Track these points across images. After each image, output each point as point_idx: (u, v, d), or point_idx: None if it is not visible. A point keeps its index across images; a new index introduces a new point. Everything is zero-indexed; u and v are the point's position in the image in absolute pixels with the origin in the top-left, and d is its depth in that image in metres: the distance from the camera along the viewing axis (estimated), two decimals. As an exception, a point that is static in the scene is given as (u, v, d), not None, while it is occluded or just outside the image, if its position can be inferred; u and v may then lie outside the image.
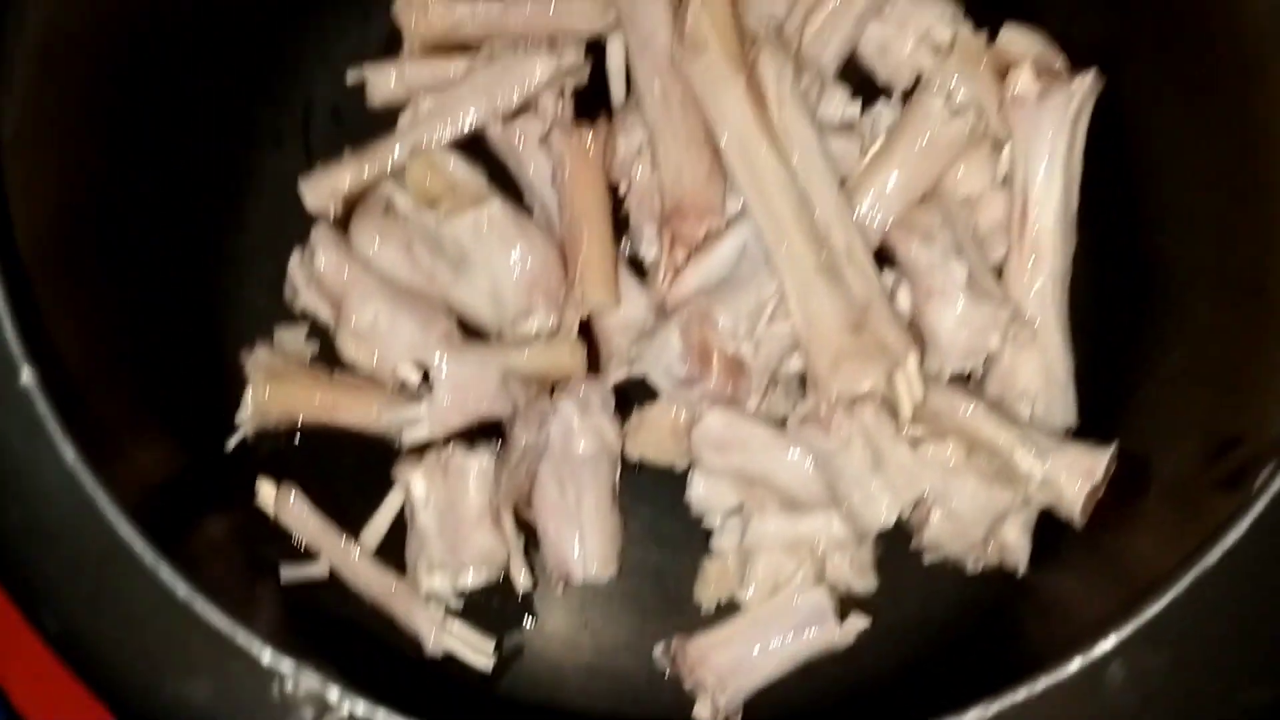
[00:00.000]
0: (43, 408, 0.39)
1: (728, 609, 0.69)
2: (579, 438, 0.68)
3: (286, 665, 0.37)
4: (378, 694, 0.37)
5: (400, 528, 0.69)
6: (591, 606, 0.71)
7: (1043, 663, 0.40)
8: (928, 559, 0.68)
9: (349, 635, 0.51)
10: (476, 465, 0.68)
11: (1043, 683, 0.39)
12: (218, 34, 0.69)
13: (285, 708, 0.37)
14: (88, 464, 0.39)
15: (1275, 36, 0.54)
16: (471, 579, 0.68)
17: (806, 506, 0.68)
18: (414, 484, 0.68)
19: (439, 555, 0.68)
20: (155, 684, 0.38)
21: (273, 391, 0.69)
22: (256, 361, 0.70)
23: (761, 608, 0.67)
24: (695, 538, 0.71)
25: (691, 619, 0.69)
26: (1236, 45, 0.58)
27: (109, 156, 0.60)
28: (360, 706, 0.37)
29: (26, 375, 0.39)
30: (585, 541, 0.68)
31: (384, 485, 0.69)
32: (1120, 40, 0.68)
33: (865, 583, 0.69)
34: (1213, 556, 0.41)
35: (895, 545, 0.69)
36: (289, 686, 0.37)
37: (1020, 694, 0.39)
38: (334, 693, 0.37)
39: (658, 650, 0.68)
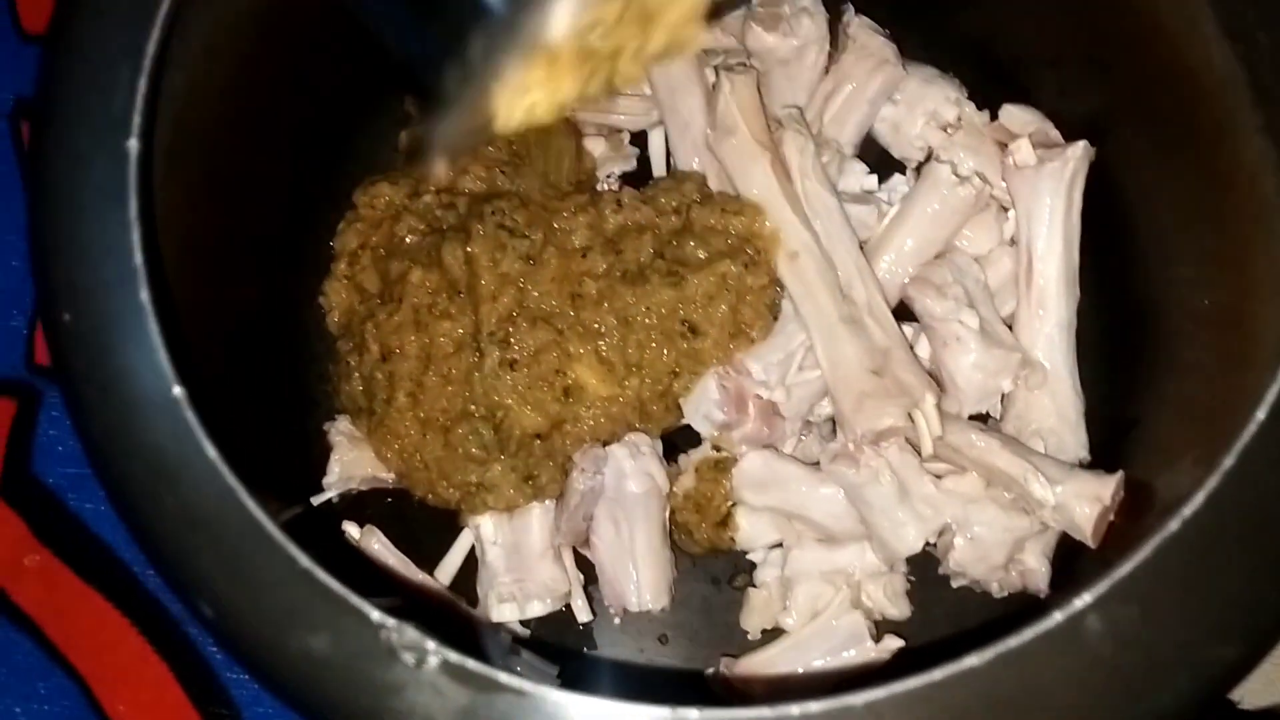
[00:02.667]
0: (190, 415, 0.47)
1: (772, 636, 0.74)
2: (631, 479, 0.73)
3: (391, 620, 0.45)
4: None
5: (470, 564, 0.76)
6: (646, 635, 0.76)
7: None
8: (955, 584, 0.73)
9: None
10: (539, 508, 0.75)
11: (1029, 633, 0.45)
12: (293, 141, 0.78)
13: (391, 655, 0.44)
14: (226, 460, 0.47)
15: (1230, 103, 0.61)
16: (536, 609, 0.74)
17: (841, 539, 0.74)
18: (483, 525, 0.75)
19: (507, 588, 0.74)
20: (283, 640, 0.45)
21: (356, 457, 0.76)
22: (339, 430, 0.77)
23: (803, 631, 0.73)
24: (740, 570, 0.77)
25: (739, 645, 0.75)
26: (1200, 112, 0.64)
27: (215, 241, 0.69)
28: (452, 655, 0.44)
29: (177, 389, 0.47)
30: (639, 574, 0.73)
31: (454, 528, 0.77)
32: (1105, 114, 0.75)
33: (899, 609, 0.74)
34: (1174, 524, 0.47)
35: (926, 574, 0.75)
36: (394, 638, 0.44)
37: (1010, 642, 0.45)
38: (431, 643, 0.44)
39: (709, 672, 0.74)
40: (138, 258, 0.48)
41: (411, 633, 0.44)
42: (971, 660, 0.45)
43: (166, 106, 0.55)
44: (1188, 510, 0.47)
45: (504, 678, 0.44)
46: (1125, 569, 0.46)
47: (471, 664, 0.44)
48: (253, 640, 0.46)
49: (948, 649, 0.46)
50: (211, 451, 0.47)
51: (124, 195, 0.49)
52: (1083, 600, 0.45)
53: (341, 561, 0.63)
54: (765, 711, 0.43)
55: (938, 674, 0.44)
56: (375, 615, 0.44)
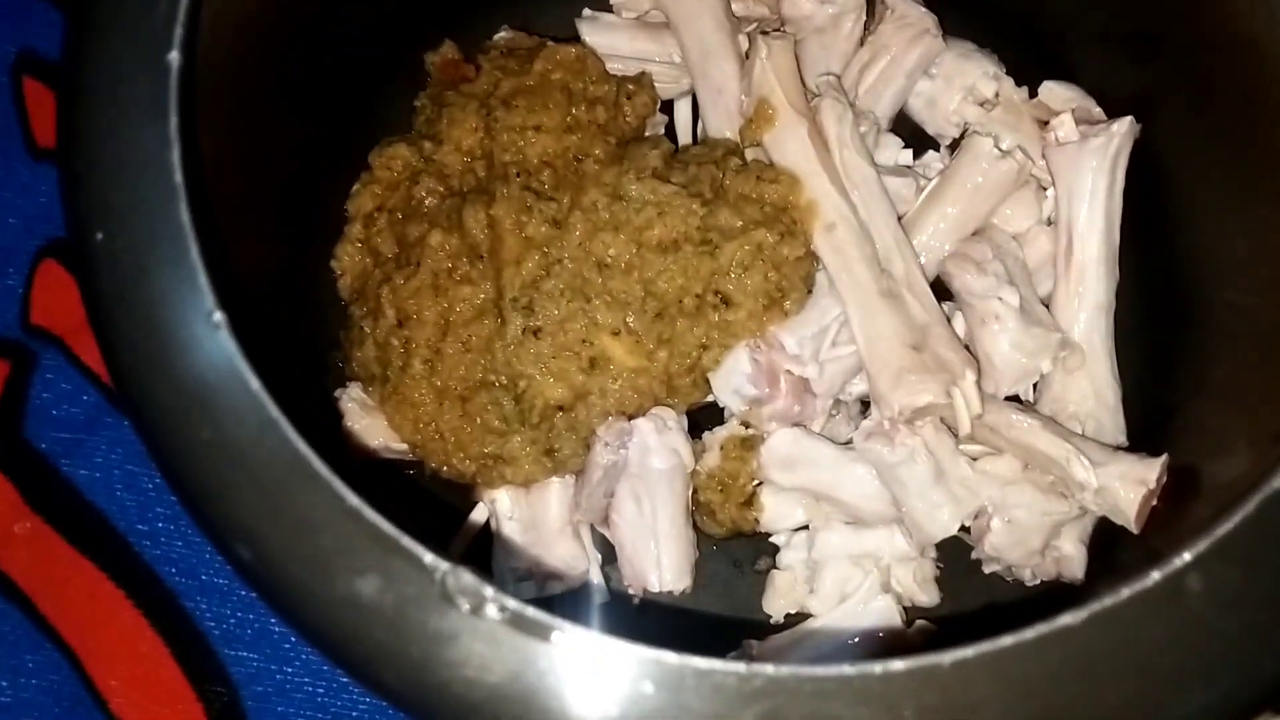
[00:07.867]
0: (231, 342, 0.44)
1: (795, 620, 0.72)
2: (655, 455, 0.70)
3: (445, 564, 0.41)
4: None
5: (485, 540, 0.73)
6: (666, 618, 0.73)
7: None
8: (988, 569, 0.71)
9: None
10: (558, 483, 0.72)
11: (1126, 592, 0.43)
12: (310, 96, 0.74)
13: (445, 601, 0.41)
14: (269, 391, 0.44)
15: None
16: (554, 588, 0.71)
17: (870, 521, 0.72)
18: (499, 500, 0.72)
19: (524, 565, 0.71)
20: (328, 584, 0.41)
21: (368, 425, 0.73)
22: (351, 397, 0.73)
23: (831, 613, 0.70)
24: (762, 553, 0.75)
25: (761, 629, 0.72)
26: (1261, 85, 0.63)
27: (232, 188, 0.66)
28: (511, 602, 0.41)
29: (218, 315, 0.44)
30: (661, 554, 0.70)
31: (469, 502, 0.73)
32: (1153, 90, 0.73)
33: (929, 595, 0.72)
34: (1277, 481, 0.45)
35: (956, 561, 0.72)
36: (449, 582, 0.41)
37: (1106, 601, 0.43)
38: (489, 589, 0.41)
39: (733, 654, 0.71)
40: (178, 175, 0.45)
41: (468, 577, 0.41)
42: (1066, 619, 0.42)
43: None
44: (1290, 468, 0.45)
45: (566, 626, 0.41)
46: (1226, 527, 0.43)
47: (531, 612, 0.41)
48: (294, 584, 0.42)
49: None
50: (254, 383, 0.43)
51: (164, 109, 0.46)
52: (1183, 559, 0.43)
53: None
54: (848, 669, 0.40)
55: (1030, 633, 0.42)
56: (428, 558, 0.41)
